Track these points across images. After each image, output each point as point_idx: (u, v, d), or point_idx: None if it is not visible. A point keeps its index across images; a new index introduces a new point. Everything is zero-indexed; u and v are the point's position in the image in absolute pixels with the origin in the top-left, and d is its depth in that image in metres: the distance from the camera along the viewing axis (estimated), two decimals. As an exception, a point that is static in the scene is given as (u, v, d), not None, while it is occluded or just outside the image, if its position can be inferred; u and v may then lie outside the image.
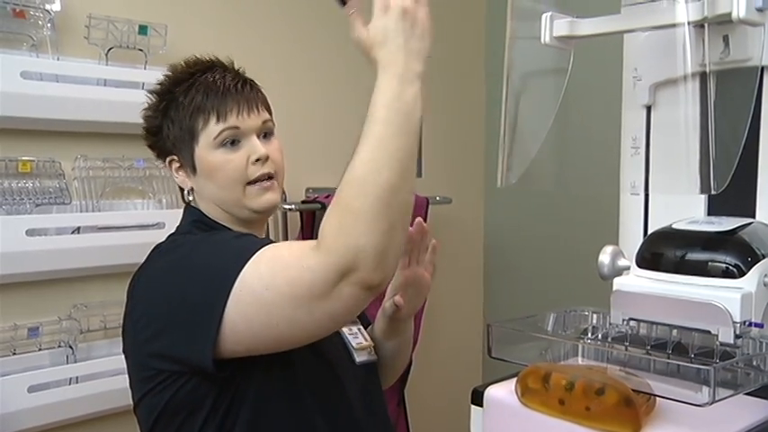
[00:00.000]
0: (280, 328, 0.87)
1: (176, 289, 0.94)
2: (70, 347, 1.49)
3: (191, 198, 1.09)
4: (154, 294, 0.97)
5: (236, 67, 1.12)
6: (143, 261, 1.04)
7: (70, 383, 1.47)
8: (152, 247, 1.05)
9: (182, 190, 1.12)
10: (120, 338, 1.54)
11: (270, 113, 1.10)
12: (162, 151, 1.10)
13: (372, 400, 1.12)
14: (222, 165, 1.03)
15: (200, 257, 0.96)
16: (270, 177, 1.05)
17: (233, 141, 1.03)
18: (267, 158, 1.04)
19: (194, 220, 1.08)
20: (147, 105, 1.10)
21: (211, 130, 1.03)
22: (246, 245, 0.93)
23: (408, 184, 0.85)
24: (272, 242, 0.96)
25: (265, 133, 1.08)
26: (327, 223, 0.85)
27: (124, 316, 1.03)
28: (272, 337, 0.89)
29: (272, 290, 0.86)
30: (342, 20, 2.35)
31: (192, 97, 1.04)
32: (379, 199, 0.82)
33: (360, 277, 0.82)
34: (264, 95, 1.11)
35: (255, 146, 1.04)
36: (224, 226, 1.07)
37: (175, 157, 1.08)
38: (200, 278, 0.92)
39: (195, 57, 1.10)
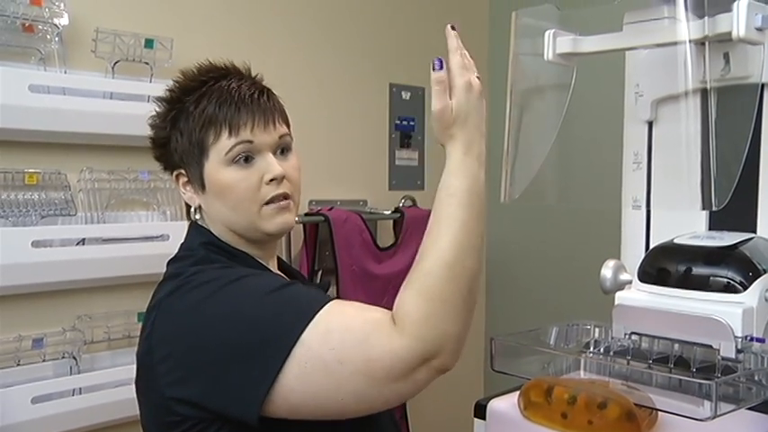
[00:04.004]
0: (345, 402, 0.83)
1: (214, 337, 0.85)
2: (74, 358, 1.49)
3: (198, 216, 1.00)
4: (183, 336, 0.88)
5: (254, 73, 1.03)
6: (158, 290, 0.95)
7: (74, 394, 1.48)
8: (166, 276, 0.96)
9: (188, 207, 1.02)
10: (124, 350, 1.58)
11: (288, 127, 1.01)
12: (169, 164, 1.01)
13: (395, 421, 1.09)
14: (233, 184, 0.94)
15: (246, 305, 0.87)
16: (286, 197, 0.96)
17: (246, 158, 0.94)
18: (283, 178, 0.96)
19: (205, 242, 0.98)
20: (155, 112, 1.01)
21: (223, 144, 0.94)
22: (305, 300, 0.86)
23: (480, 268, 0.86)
24: (328, 297, 0.89)
25: (282, 149, 0.98)
26: (413, 306, 0.81)
27: (142, 351, 0.93)
28: (334, 409, 0.84)
29: (346, 365, 0.81)
30: (343, 33, 2.37)
31: (204, 107, 0.95)
32: (467, 287, 0.83)
33: (440, 363, 0.82)
34: (282, 107, 1.02)
35: (271, 164, 0.95)
36: (236, 249, 0.99)
37: (183, 172, 0.99)
38: (247, 331, 0.84)
39: (209, 62, 1.01)
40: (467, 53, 0.90)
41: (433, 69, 0.87)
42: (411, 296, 0.82)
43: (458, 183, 0.86)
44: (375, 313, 0.84)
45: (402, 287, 0.84)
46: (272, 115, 0.98)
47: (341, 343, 0.81)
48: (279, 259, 1.12)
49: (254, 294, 0.88)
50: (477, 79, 0.89)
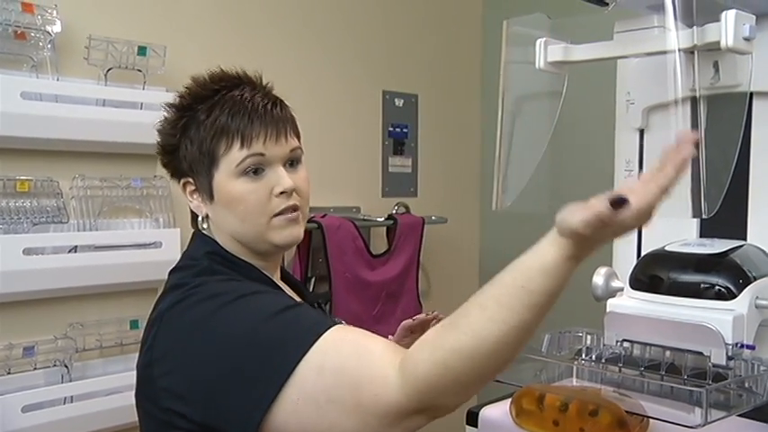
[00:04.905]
0: None
1: (215, 357, 0.85)
2: (65, 366, 1.48)
3: (205, 226, 0.99)
4: (184, 354, 0.88)
5: (265, 82, 1.01)
6: (160, 301, 0.94)
7: (65, 403, 1.47)
8: (168, 286, 0.94)
9: (194, 215, 1.01)
10: (116, 358, 1.57)
11: (299, 138, 1.00)
12: (176, 172, 1.00)
13: None
14: (243, 196, 0.93)
15: (248, 327, 0.85)
16: (295, 209, 0.96)
17: (256, 170, 0.94)
18: (293, 191, 0.95)
19: (209, 251, 0.97)
20: (164, 119, 0.99)
21: (234, 156, 0.93)
22: (305, 328, 0.83)
23: None
24: (329, 323, 0.85)
25: (292, 161, 0.98)
26: (424, 372, 0.75)
27: (142, 364, 0.92)
28: None
29: (338, 405, 0.79)
30: (337, 40, 2.37)
31: (216, 117, 0.94)
32: (492, 375, 0.77)
33: (435, 415, 0.79)
34: (294, 118, 1.00)
35: (281, 177, 0.94)
36: (241, 259, 0.98)
37: (191, 180, 0.97)
38: (247, 354, 0.83)
39: (221, 69, 0.99)
40: (671, 173, 0.71)
41: (612, 206, 0.69)
42: (427, 362, 0.75)
43: (545, 284, 0.73)
44: (375, 347, 0.81)
45: (426, 338, 0.78)
46: (285, 128, 0.97)
47: (334, 382, 0.79)
48: (281, 269, 1.12)
49: (256, 316, 0.86)
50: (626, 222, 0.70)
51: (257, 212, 0.94)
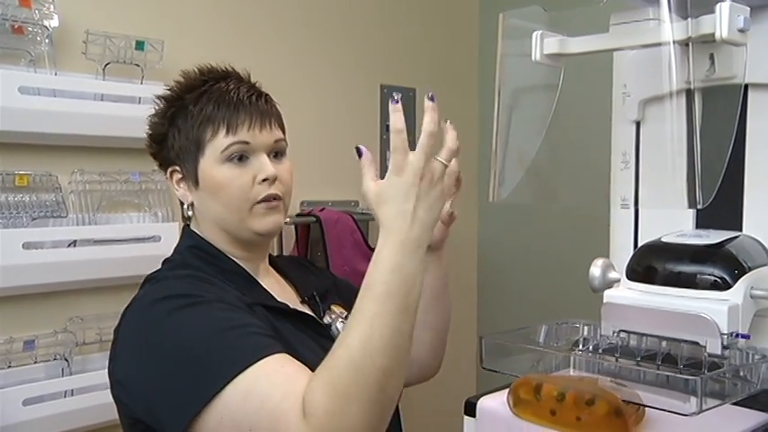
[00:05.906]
0: None
1: (157, 361, 0.87)
2: (65, 360, 1.49)
3: (190, 213, 1.03)
4: (135, 352, 0.91)
5: (253, 80, 1.06)
6: (138, 290, 0.98)
7: (65, 396, 1.48)
8: (146, 277, 0.99)
9: (182, 204, 1.05)
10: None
11: (283, 132, 1.04)
12: (164, 161, 1.03)
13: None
14: (227, 181, 0.97)
15: (191, 336, 0.86)
16: (276, 198, 0.99)
17: (240, 157, 0.97)
18: (275, 179, 0.99)
19: (191, 245, 1.01)
20: (154, 111, 1.03)
21: (219, 142, 0.97)
22: (245, 351, 0.83)
23: (403, 367, 0.80)
24: (271, 349, 0.84)
25: (276, 152, 1.01)
26: (318, 401, 0.77)
27: (110, 355, 0.96)
28: None
29: None
30: (334, 34, 2.38)
31: (203, 106, 0.98)
32: (377, 385, 0.77)
33: None
34: (279, 112, 1.05)
35: (264, 165, 0.98)
36: (221, 251, 1.01)
37: (177, 168, 1.01)
38: (185, 364, 0.84)
39: (210, 65, 1.04)
40: (452, 136, 0.91)
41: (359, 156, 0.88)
42: (318, 388, 0.77)
43: (375, 274, 0.79)
44: (302, 384, 0.79)
45: (316, 371, 0.80)
46: (269, 118, 1.00)
47: (255, 412, 0.79)
48: (272, 258, 1.12)
49: (202, 330, 0.86)
50: (419, 165, 0.84)
51: (240, 198, 0.97)
